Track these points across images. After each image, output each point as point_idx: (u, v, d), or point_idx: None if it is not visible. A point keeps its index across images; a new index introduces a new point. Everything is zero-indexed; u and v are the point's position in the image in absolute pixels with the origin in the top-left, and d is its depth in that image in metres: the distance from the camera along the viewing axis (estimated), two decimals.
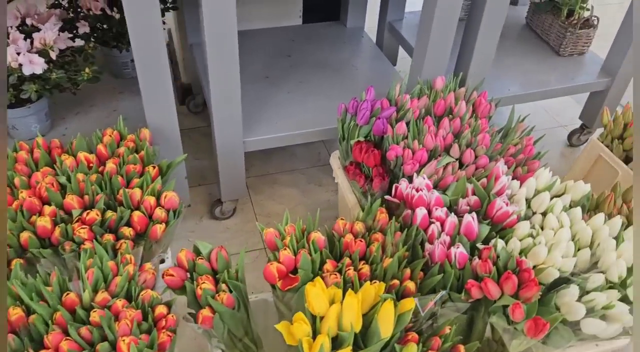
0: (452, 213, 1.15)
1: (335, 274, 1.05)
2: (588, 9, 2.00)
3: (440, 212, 1.11)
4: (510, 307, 0.98)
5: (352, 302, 0.92)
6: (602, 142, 1.73)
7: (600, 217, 1.17)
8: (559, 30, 2.01)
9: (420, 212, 1.11)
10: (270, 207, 1.85)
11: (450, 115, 1.48)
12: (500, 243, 1.09)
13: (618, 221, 1.18)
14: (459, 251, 1.04)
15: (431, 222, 1.12)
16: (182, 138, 1.46)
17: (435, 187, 1.29)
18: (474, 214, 1.09)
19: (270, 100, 1.72)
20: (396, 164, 1.33)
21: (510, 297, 1.01)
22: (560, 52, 2.03)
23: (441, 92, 1.54)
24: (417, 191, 1.13)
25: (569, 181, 1.29)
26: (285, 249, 1.06)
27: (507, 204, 1.13)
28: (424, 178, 1.18)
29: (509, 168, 1.37)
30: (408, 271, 1.07)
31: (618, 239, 1.13)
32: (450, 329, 1.01)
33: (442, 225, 1.11)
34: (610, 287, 1.07)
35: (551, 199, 1.25)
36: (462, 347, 0.99)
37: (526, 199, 1.24)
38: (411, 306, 0.96)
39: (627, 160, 1.66)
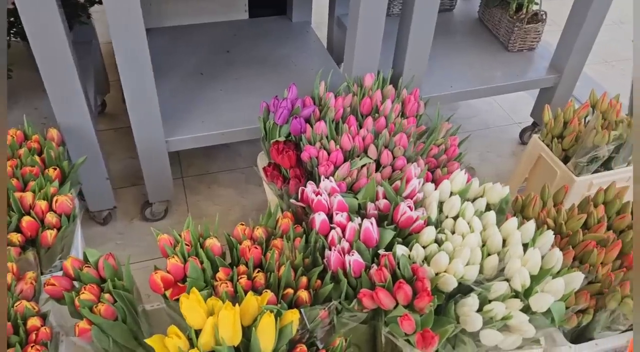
0: (360, 218, 1.10)
1: (227, 283, 1.00)
2: (537, 3, 1.95)
3: (340, 217, 1.06)
4: (399, 319, 0.93)
5: (228, 315, 0.87)
6: (543, 141, 1.68)
7: (512, 221, 1.13)
8: (507, 25, 1.96)
9: (319, 217, 1.06)
10: (206, 208, 1.79)
11: (376, 114, 1.43)
12: (401, 249, 1.05)
13: (531, 225, 1.13)
14: (354, 259, 0.99)
15: (332, 228, 1.07)
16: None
17: (350, 189, 1.24)
18: (372, 220, 1.04)
19: (201, 98, 1.67)
20: (312, 165, 1.28)
21: (404, 308, 0.97)
22: (509, 47, 1.98)
23: (370, 89, 1.49)
24: (317, 195, 1.08)
25: (487, 183, 1.24)
26: (173, 257, 1.01)
27: (411, 209, 1.08)
28: (330, 181, 1.13)
29: (430, 170, 1.32)
30: (304, 279, 1.03)
31: (531, 245, 1.09)
32: (345, 340, 0.97)
33: (344, 231, 1.06)
34: (514, 296, 1.02)
35: (473, 201, 1.20)
36: None
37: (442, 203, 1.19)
38: (293, 318, 0.91)
39: (566, 159, 1.61)
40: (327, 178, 1.15)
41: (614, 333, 1.22)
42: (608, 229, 1.32)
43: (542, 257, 1.06)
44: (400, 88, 1.51)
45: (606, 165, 1.60)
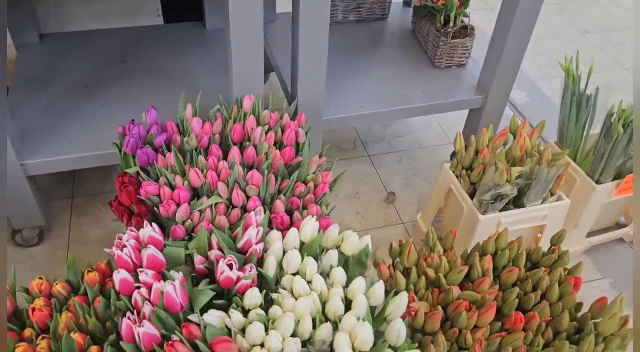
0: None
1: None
2: (467, 16, 1.77)
3: (146, 276, 0.90)
4: None
5: None
6: (453, 172, 1.51)
7: (358, 282, 0.97)
8: (434, 39, 1.79)
9: (117, 275, 0.90)
10: (89, 232, 1.65)
11: (247, 143, 1.27)
12: (213, 316, 0.89)
13: (379, 287, 0.97)
14: (143, 331, 0.84)
15: (137, 288, 0.91)
16: None
17: (191, 236, 1.08)
18: (176, 280, 0.89)
19: (76, 114, 1.51)
20: (153, 204, 1.12)
21: None
22: (435, 63, 1.81)
23: (250, 114, 1.33)
24: (120, 248, 0.93)
25: (347, 231, 1.08)
26: None
27: (231, 266, 0.93)
28: (134, 231, 0.97)
29: (295, 210, 1.16)
30: (94, 349, 0.88)
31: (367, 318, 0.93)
32: None
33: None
34: None
35: (327, 251, 1.05)
36: None
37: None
38: None
39: (474, 194, 1.44)
40: (150, 224, 0.99)
41: None
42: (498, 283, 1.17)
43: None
44: (282, 113, 1.35)
45: (518, 202, 1.43)
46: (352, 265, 1.08)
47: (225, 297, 0.97)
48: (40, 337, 0.88)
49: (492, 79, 1.66)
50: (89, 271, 0.96)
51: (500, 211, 1.41)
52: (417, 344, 0.93)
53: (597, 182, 1.50)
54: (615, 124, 1.38)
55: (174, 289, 0.87)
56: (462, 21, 1.77)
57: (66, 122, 1.48)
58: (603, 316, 1.06)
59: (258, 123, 1.30)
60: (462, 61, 1.81)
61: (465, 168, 1.48)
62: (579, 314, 1.14)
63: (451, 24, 1.74)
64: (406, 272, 1.21)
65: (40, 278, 0.95)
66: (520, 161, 1.40)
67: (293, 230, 1.03)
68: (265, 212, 1.08)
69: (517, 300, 1.11)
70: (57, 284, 0.95)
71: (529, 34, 1.58)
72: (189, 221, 1.08)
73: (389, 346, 0.90)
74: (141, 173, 1.17)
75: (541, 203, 1.43)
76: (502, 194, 1.34)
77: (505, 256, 1.20)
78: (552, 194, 1.43)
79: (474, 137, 1.49)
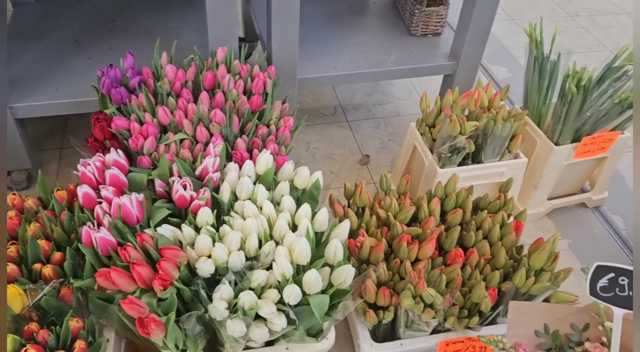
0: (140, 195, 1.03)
1: None
2: None
3: (107, 192, 1.00)
4: (121, 301, 0.87)
5: None
6: (418, 129, 1.59)
7: (303, 208, 1.05)
8: (410, 8, 1.86)
9: (81, 189, 1.00)
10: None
11: (218, 90, 1.35)
12: (166, 229, 0.98)
13: (323, 214, 1.05)
14: (99, 236, 0.93)
15: (99, 202, 1.01)
16: None
17: (156, 166, 1.17)
18: (133, 196, 0.98)
19: (65, 66, 1.61)
20: (123, 138, 1.21)
21: (144, 291, 0.90)
22: (411, 31, 1.88)
23: (221, 63, 1.41)
24: (84, 166, 1.02)
25: (300, 167, 1.16)
26: None
27: (185, 187, 1.01)
28: (101, 156, 1.06)
29: (256, 148, 1.25)
30: (58, 254, 0.97)
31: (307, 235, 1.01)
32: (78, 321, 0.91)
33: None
34: (275, 287, 0.95)
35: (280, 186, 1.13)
36: None
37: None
38: (16, 293, 0.86)
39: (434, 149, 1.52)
40: (116, 151, 1.08)
41: (421, 334, 1.14)
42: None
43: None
44: (253, 64, 1.43)
45: (477, 159, 1.51)
46: (305, 199, 1.16)
47: (182, 218, 1.05)
48: (10, 243, 0.97)
49: (463, 46, 1.73)
50: (57, 190, 1.05)
51: (459, 166, 1.48)
52: (351, 263, 1.01)
53: (556, 144, 1.57)
54: (570, 85, 1.44)
55: (130, 202, 0.96)
56: None
57: (54, 72, 1.58)
58: (534, 252, 1.14)
59: (229, 72, 1.38)
60: (438, 30, 1.88)
61: (429, 126, 1.56)
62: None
63: None
64: (361, 213, 1.29)
65: (14, 194, 1.04)
66: (477, 118, 1.47)
67: (248, 162, 1.12)
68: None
69: (457, 237, 1.19)
70: (28, 199, 1.04)
71: (495, 3, 1.64)
72: (155, 153, 1.17)
73: (325, 263, 0.99)
74: (115, 112, 1.26)
75: (499, 160, 1.50)
76: (457, 146, 1.41)
77: (451, 200, 1.27)
78: (509, 152, 1.50)
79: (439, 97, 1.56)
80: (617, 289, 0.96)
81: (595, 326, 1.04)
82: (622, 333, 0.98)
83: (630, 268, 0.96)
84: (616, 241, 1.70)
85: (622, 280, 0.96)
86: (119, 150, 1.08)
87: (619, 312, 0.96)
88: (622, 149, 1.66)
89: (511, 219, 1.29)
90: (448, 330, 1.16)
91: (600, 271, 0.98)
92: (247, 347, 1.01)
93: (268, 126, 1.27)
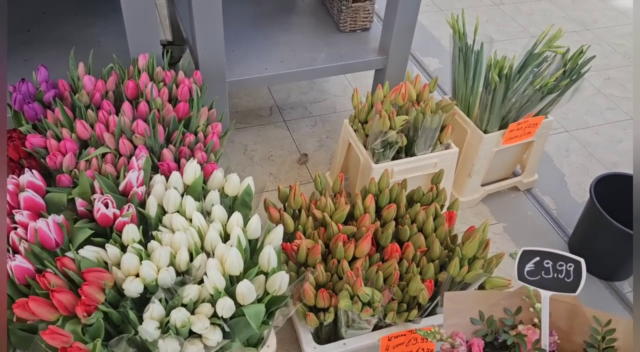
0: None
1: None
2: None
3: (21, 216, 0.94)
4: (41, 332, 0.82)
5: None
6: (351, 126, 1.60)
7: (234, 217, 1.03)
8: (338, 4, 1.86)
9: None
10: None
11: (141, 99, 1.31)
12: (89, 251, 0.94)
13: (255, 221, 1.04)
14: (15, 264, 0.88)
15: (14, 228, 0.95)
16: None
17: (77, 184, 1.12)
18: (50, 218, 0.93)
19: None
20: (40, 156, 1.15)
21: (68, 317, 0.86)
22: (340, 27, 1.88)
23: (143, 70, 1.36)
24: None
25: (230, 175, 1.14)
26: None
27: (107, 205, 0.97)
28: (14, 178, 1.01)
29: (184, 158, 1.21)
30: None
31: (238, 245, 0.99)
32: None
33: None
34: (208, 301, 0.93)
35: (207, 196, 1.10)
36: None
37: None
38: None
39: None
40: (31, 171, 1.02)
41: (363, 332, 1.15)
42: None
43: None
44: (180, 70, 1.39)
45: (409, 152, 1.53)
46: (237, 207, 1.14)
47: (108, 237, 1.01)
48: None
49: (391, 40, 1.74)
50: None
51: (393, 160, 1.50)
52: (289, 267, 1.00)
53: (485, 131, 1.61)
54: (492, 75, 1.48)
55: (47, 225, 0.91)
56: None
57: None
58: (467, 241, 1.16)
59: (152, 80, 1.34)
60: (366, 25, 1.89)
61: (362, 122, 1.56)
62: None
63: None
64: (297, 215, 1.28)
65: None
66: (406, 112, 1.49)
67: (175, 173, 1.08)
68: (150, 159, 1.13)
69: (392, 232, 1.21)
70: None
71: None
72: (75, 170, 1.11)
73: (260, 270, 0.97)
74: (30, 129, 1.19)
75: (431, 151, 1.53)
76: (389, 141, 1.43)
77: (385, 195, 1.29)
78: (441, 143, 1.53)
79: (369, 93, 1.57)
80: (542, 272, 0.99)
81: (527, 309, 1.08)
82: (551, 313, 1.02)
83: (553, 251, 1.00)
84: (548, 220, 1.77)
85: (547, 263, 0.99)
86: (33, 171, 1.02)
87: (545, 294, 0.99)
88: (547, 132, 1.73)
89: (444, 209, 1.32)
90: (389, 325, 1.17)
91: (527, 256, 1.02)
92: None
93: (196, 134, 1.24)
